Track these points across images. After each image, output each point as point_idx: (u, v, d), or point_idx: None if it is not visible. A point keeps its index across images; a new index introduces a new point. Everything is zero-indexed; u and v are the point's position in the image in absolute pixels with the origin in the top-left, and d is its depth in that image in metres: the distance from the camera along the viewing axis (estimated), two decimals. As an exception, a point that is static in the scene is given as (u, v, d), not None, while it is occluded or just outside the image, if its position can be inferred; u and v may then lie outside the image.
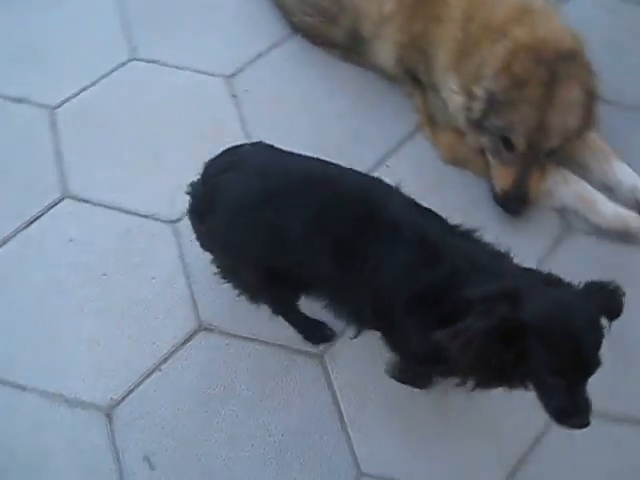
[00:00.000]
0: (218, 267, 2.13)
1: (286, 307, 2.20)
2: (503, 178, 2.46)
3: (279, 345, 2.27)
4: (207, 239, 2.04)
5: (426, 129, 2.69)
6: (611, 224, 2.53)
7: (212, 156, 1.98)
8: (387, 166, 2.62)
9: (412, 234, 1.71)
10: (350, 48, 2.76)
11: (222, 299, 2.31)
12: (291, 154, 1.94)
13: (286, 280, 1.93)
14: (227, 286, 2.13)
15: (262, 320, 2.24)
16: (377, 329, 1.94)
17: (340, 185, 1.81)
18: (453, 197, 2.56)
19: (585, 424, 1.56)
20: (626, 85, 2.92)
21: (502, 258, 1.74)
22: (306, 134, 2.65)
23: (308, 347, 2.27)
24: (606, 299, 1.58)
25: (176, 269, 2.38)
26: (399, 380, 2.17)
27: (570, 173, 2.58)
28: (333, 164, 1.90)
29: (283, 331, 2.26)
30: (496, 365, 1.51)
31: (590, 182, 2.61)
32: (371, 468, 2.11)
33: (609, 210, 2.53)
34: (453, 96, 2.48)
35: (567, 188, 2.56)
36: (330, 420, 2.16)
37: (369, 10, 2.63)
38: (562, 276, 1.64)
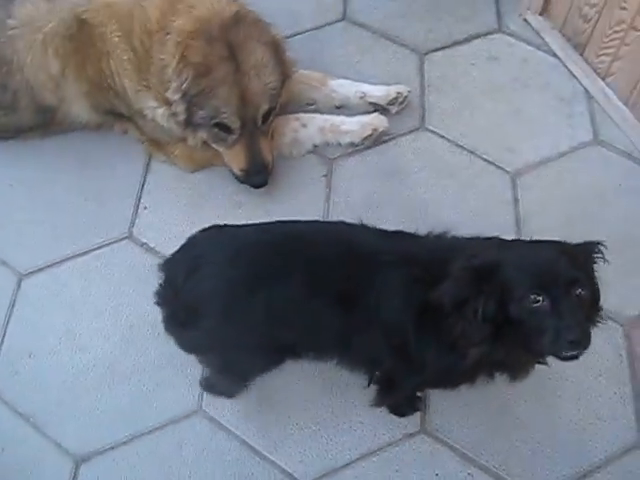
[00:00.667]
0: (209, 366, 2.06)
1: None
2: (236, 159, 2.46)
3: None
4: (196, 343, 1.92)
5: (156, 153, 2.64)
6: (362, 135, 2.62)
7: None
8: (145, 207, 2.56)
9: (393, 259, 1.72)
10: (44, 123, 2.64)
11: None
12: (242, 226, 1.90)
13: (289, 349, 1.90)
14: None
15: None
16: (391, 367, 1.90)
17: (311, 240, 1.81)
18: (217, 201, 2.57)
19: (578, 343, 1.52)
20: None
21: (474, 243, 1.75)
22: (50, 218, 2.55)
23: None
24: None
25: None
26: (396, 412, 2.19)
27: (302, 115, 2.64)
28: (286, 222, 1.90)
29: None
30: (487, 317, 1.55)
31: (322, 112, 2.69)
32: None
33: (354, 125, 2.63)
34: (156, 112, 2.44)
35: (307, 129, 2.62)
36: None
37: (40, 80, 2.51)
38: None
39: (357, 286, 1.73)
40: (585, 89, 2.79)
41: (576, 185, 2.59)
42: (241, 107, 2.32)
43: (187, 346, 1.96)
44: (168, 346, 1.96)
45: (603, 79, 2.75)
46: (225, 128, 2.36)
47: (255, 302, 1.74)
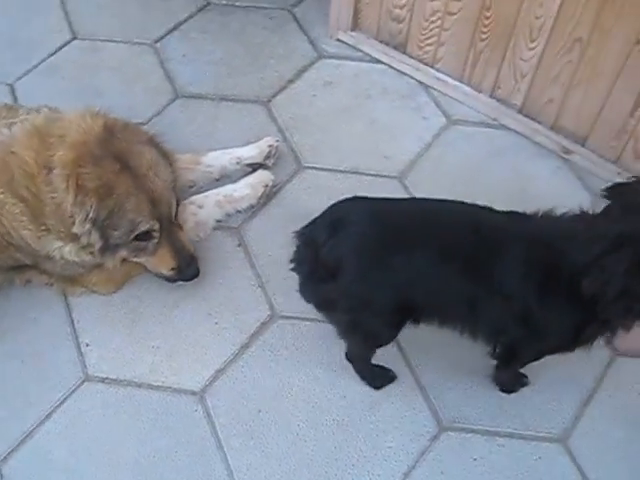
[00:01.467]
0: (336, 324, 2.18)
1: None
2: (163, 261, 2.43)
3: None
4: (330, 297, 2.04)
5: (71, 289, 2.53)
6: (257, 195, 2.70)
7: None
8: (87, 344, 2.45)
9: (516, 234, 1.93)
10: None
11: None
12: (379, 199, 2.10)
13: (413, 313, 2.05)
14: None
15: None
16: (514, 336, 2.05)
17: (443, 213, 2.02)
18: (153, 307, 2.54)
19: None
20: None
21: (581, 218, 1.93)
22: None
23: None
24: None
25: None
26: (508, 388, 2.36)
27: (195, 197, 2.66)
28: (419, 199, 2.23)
29: None
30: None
31: (211, 188, 2.73)
32: None
33: (246, 189, 2.69)
34: (64, 250, 2.34)
35: (205, 209, 2.64)
36: None
37: None
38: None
39: (484, 257, 1.92)
40: (419, 81, 3.06)
41: (453, 166, 2.85)
42: (154, 210, 2.30)
43: (320, 301, 2.12)
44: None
45: (432, 67, 3.03)
46: (145, 236, 2.34)
47: (392, 263, 1.92)
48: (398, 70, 3.10)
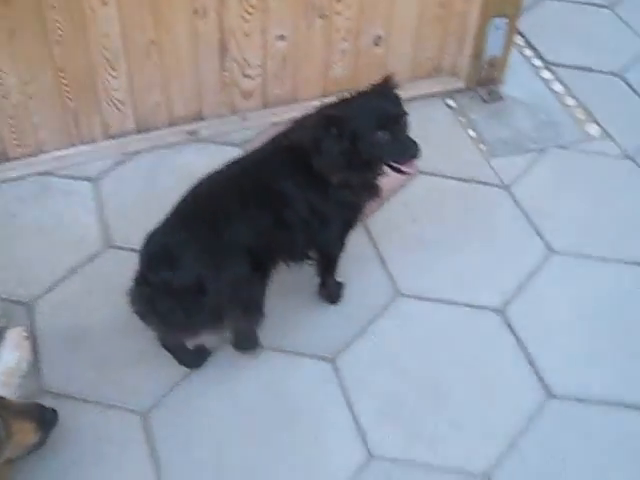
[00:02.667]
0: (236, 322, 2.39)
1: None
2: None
3: None
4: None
5: None
6: (27, 350, 2.51)
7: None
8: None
9: (278, 154, 2.33)
10: None
11: None
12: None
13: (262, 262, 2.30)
14: None
15: None
16: (319, 241, 2.44)
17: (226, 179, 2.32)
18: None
19: (417, 152, 2.19)
20: None
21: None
22: None
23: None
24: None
25: None
26: (335, 299, 2.70)
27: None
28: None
29: None
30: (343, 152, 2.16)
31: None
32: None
33: (12, 354, 2.48)
34: None
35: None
36: None
37: None
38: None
39: (265, 186, 2.27)
40: (41, 173, 3.06)
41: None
42: None
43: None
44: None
45: (43, 153, 3.05)
46: None
47: (222, 235, 2.18)
48: (14, 178, 3.03)
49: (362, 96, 2.28)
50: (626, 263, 2.88)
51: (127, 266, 2.31)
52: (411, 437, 2.38)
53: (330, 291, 2.70)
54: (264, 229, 2.27)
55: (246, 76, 3.14)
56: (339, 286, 2.71)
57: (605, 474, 2.33)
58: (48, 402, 2.28)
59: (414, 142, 2.21)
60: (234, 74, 3.11)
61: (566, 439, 2.39)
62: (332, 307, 2.70)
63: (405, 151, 2.21)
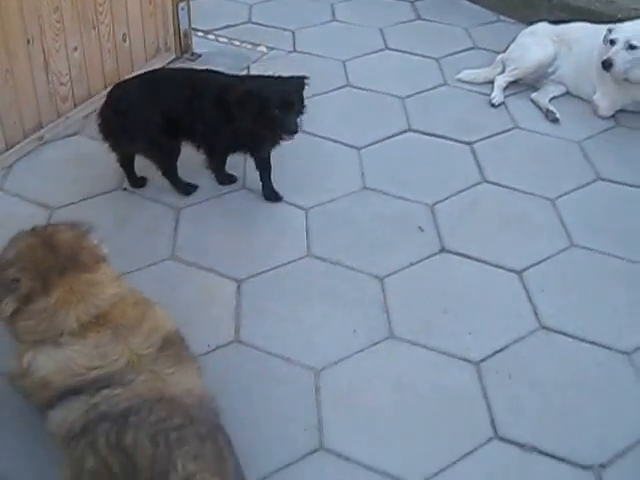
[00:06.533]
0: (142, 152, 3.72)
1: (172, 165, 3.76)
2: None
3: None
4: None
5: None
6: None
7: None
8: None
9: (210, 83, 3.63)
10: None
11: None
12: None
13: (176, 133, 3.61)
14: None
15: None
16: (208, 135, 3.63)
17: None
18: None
19: (294, 130, 3.31)
20: None
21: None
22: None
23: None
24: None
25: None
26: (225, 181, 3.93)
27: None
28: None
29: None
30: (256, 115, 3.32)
31: None
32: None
33: None
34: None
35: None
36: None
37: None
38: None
39: (197, 98, 3.57)
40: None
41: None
42: None
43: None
44: None
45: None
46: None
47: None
48: None
49: (278, 81, 3.42)
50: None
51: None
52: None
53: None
54: (181, 110, 3.54)
55: (62, 84, 4.25)
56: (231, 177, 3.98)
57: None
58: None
59: (296, 123, 3.33)
60: (55, 84, 4.19)
61: None
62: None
63: (288, 127, 3.31)
